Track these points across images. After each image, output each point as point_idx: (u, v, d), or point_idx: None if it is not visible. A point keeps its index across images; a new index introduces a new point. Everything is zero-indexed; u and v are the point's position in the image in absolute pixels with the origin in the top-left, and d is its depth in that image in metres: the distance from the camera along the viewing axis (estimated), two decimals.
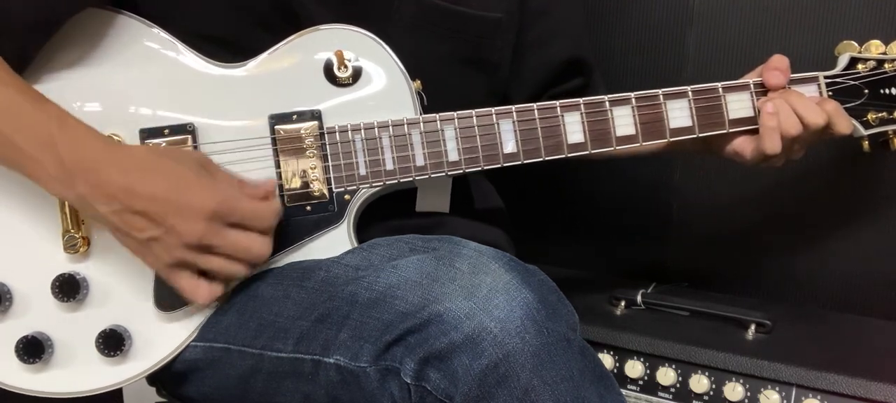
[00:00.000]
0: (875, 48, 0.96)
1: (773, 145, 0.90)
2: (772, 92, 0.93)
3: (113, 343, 0.85)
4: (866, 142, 0.96)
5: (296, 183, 0.87)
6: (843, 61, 0.96)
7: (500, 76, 1.04)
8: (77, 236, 0.85)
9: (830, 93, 0.94)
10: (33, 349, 0.85)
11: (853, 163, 1.20)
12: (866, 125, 0.95)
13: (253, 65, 0.88)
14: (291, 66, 0.88)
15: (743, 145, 0.94)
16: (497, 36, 1.00)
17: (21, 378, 0.86)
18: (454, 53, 0.98)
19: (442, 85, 0.91)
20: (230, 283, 0.85)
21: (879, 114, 0.95)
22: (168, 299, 0.86)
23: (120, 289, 0.86)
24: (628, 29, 1.32)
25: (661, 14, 1.28)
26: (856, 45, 0.96)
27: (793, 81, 0.94)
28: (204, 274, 0.82)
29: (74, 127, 0.78)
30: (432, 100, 0.90)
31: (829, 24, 1.16)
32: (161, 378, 0.91)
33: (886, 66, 0.95)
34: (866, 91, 0.95)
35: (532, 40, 1.07)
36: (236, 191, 0.80)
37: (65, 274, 0.85)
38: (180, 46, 0.88)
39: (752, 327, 1.08)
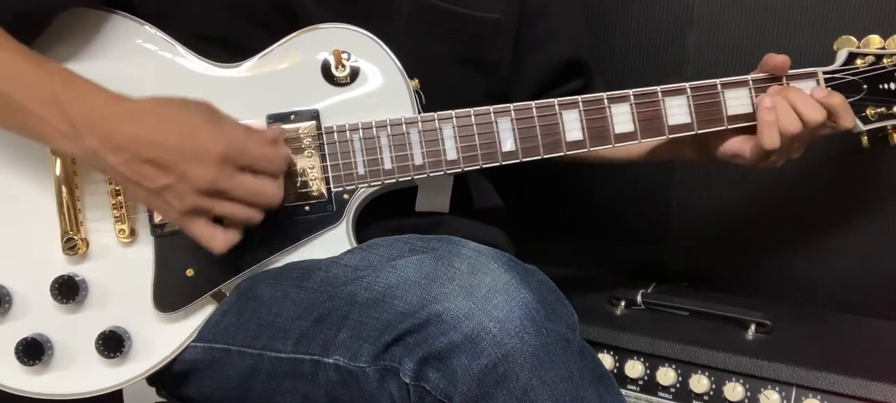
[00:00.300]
0: (874, 43, 0.95)
1: (771, 139, 0.90)
2: (771, 86, 0.93)
3: (113, 344, 0.85)
4: (865, 138, 0.96)
5: (294, 182, 0.87)
6: (841, 56, 0.96)
7: (500, 76, 1.04)
8: (76, 238, 0.85)
9: (829, 88, 0.94)
10: (33, 350, 0.85)
11: (853, 163, 1.20)
12: (865, 120, 0.95)
13: (251, 64, 0.89)
14: (289, 66, 0.88)
15: (742, 145, 0.94)
16: (496, 36, 1.00)
17: (21, 379, 0.86)
18: (453, 53, 0.98)
19: (440, 85, 0.91)
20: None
21: (878, 110, 0.95)
22: (167, 300, 0.86)
23: (119, 290, 0.87)
24: (628, 29, 1.32)
25: (661, 14, 1.28)
26: (854, 39, 0.96)
27: (791, 77, 0.93)
28: (219, 222, 0.81)
29: (78, 83, 0.78)
30: (431, 101, 0.90)
31: (829, 24, 1.16)
32: (161, 378, 0.91)
33: (885, 60, 0.94)
34: (865, 86, 0.94)
35: (531, 40, 1.07)
36: (245, 135, 0.80)
37: (64, 275, 0.85)
38: (178, 46, 0.88)
39: (752, 327, 1.08)
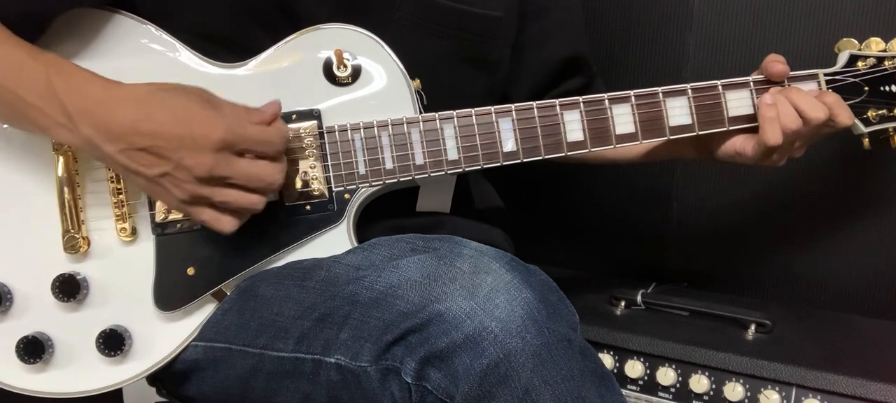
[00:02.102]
0: (875, 45, 0.95)
1: (774, 136, 0.90)
2: (773, 85, 0.93)
3: (113, 343, 0.85)
4: (866, 140, 0.96)
5: (296, 182, 0.87)
6: (843, 58, 0.96)
7: (500, 75, 1.04)
8: (77, 236, 0.85)
9: (830, 90, 0.94)
10: (34, 349, 0.85)
11: (853, 163, 1.20)
12: (866, 122, 0.95)
13: (252, 64, 0.88)
14: (291, 66, 0.88)
15: (744, 143, 0.94)
16: (497, 34, 1.00)
17: (21, 378, 0.86)
18: (454, 52, 0.97)
19: (442, 83, 0.91)
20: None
21: (879, 112, 0.95)
22: (168, 299, 0.86)
23: (120, 289, 0.86)
24: (628, 29, 1.32)
25: (661, 14, 1.28)
26: (856, 42, 0.96)
27: (792, 79, 0.94)
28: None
29: (73, 72, 0.78)
30: (431, 99, 0.90)
31: (829, 24, 1.16)
32: (161, 377, 0.91)
33: (886, 63, 0.94)
34: (866, 88, 0.95)
35: (531, 39, 1.07)
36: (242, 119, 0.80)
37: (65, 274, 0.85)
38: (179, 46, 0.88)
39: (752, 327, 1.08)
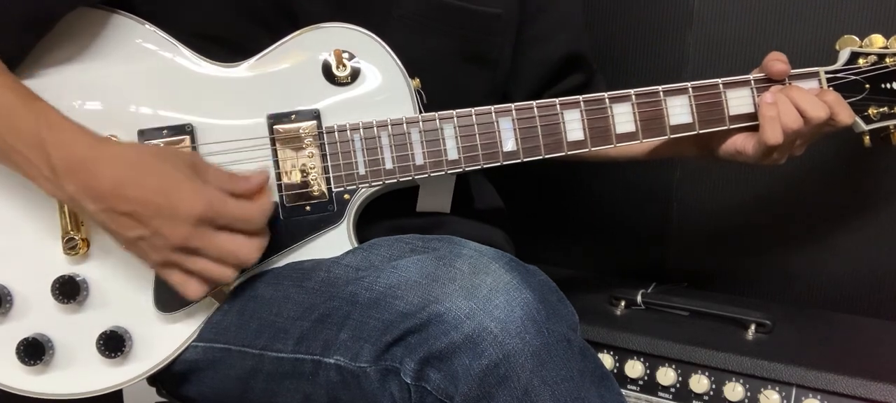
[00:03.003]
0: (876, 42, 0.95)
1: (774, 135, 0.90)
2: (774, 84, 0.93)
3: (114, 344, 0.85)
4: (867, 137, 0.95)
5: (295, 183, 0.87)
6: (844, 56, 0.95)
7: (500, 73, 1.04)
8: (77, 238, 0.85)
9: (831, 87, 0.94)
10: (34, 350, 0.85)
11: (853, 164, 1.20)
12: (867, 120, 0.94)
13: (251, 64, 0.88)
14: (290, 65, 0.88)
15: (744, 142, 0.94)
16: (497, 32, 1.00)
17: (22, 379, 0.86)
18: (455, 50, 0.97)
19: (442, 82, 0.91)
20: (229, 284, 0.85)
21: (880, 109, 0.94)
22: (168, 300, 0.86)
23: (120, 291, 0.86)
24: (628, 29, 1.32)
25: (661, 14, 1.28)
26: (857, 39, 0.96)
27: (793, 77, 0.93)
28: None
29: (63, 126, 0.78)
30: (431, 98, 0.90)
31: (830, 23, 1.16)
32: (161, 378, 0.91)
33: (888, 60, 0.94)
34: (867, 86, 0.94)
35: (531, 37, 1.06)
36: (224, 194, 0.80)
37: (65, 275, 0.85)
38: (177, 45, 0.87)
39: (752, 327, 1.08)
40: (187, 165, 0.79)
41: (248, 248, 0.81)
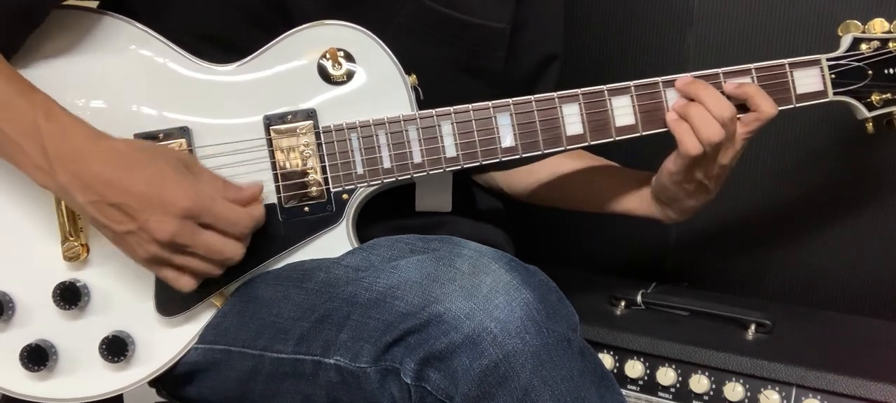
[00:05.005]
0: (879, 27, 0.93)
1: (693, 146, 0.87)
2: (776, 73, 0.91)
3: (116, 349, 0.85)
4: (870, 124, 0.94)
5: (293, 183, 0.87)
6: (845, 42, 0.94)
7: (498, 85, 1.03)
8: (77, 244, 0.85)
9: (834, 75, 0.92)
10: (37, 357, 0.85)
11: (854, 163, 1.20)
12: (870, 107, 0.93)
13: (246, 64, 0.88)
14: (285, 65, 0.88)
15: (670, 163, 0.92)
16: (498, 46, 1.00)
17: (26, 385, 0.86)
18: (453, 60, 0.97)
19: (439, 91, 0.90)
20: (228, 286, 0.86)
21: (884, 96, 0.92)
22: (169, 304, 0.86)
23: (121, 295, 0.87)
24: (628, 29, 1.32)
25: (661, 14, 1.28)
26: (859, 24, 0.94)
27: (795, 65, 0.92)
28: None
29: (61, 117, 0.79)
30: (425, 105, 0.89)
31: (830, 23, 1.15)
32: (162, 380, 0.90)
33: (891, 45, 0.92)
34: (870, 72, 0.92)
35: (522, 44, 1.04)
36: (214, 193, 0.80)
37: (65, 281, 0.85)
38: (172, 47, 0.87)
39: (752, 327, 1.08)
40: (180, 162, 0.80)
41: (233, 248, 0.81)
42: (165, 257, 0.79)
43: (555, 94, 0.89)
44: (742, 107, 0.90)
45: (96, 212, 0.78)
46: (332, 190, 0.88)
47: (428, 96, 0.90)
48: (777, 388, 0.98)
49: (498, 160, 0.89)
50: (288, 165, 0.87)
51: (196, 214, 0.78)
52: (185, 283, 0.82)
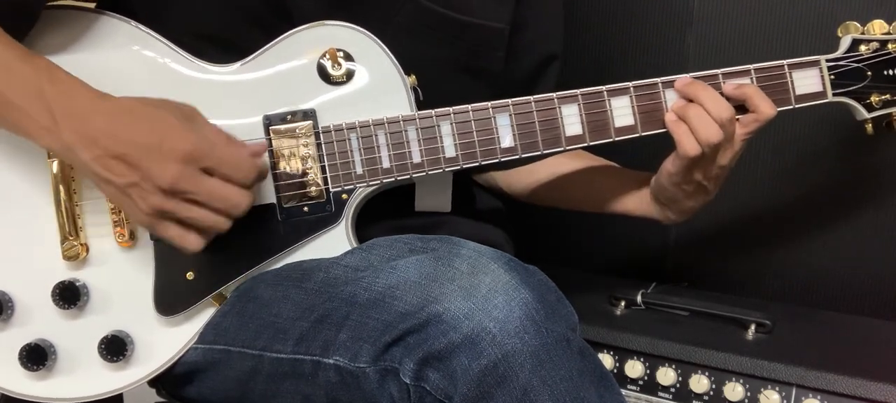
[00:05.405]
0: (878, 28, 0.93)
1: (692, 147, 0.88)
2: (774, 74, 0.91)
3: (115, 348, 0.85)
4: (869, 125, 0.94)
5: (292, 184, 0.87)
6: (845, 43, 0.94)
7: (498, 86, 1.03)
8: (76, 243, 0.85)
9: (833, 76, 0.92)
10: (37, 356, 0.85)
11: (853, 164, 1.20)
12: (869, 108, 0.93)
13: (246, 64, 0.88)
14: (285, 65, 0.88)
15: (668, 164, 0.93)
16: (498, 46, 1.00)
17: (25, 385, 0.86)
18: (453, 61, 0.97)
19: (438, 91, 0.90)
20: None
21: (883, 97, 0.92)
22: (169, 303, 0.86)
23: (120, 295, 0.87)
24: (628, 29, 1.32)
25: (661, 14, 1.28)
26: (858, 25, 0.94)
27: (794, 66, 0.92)
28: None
29: (64, 78, 0.79)
30: (427, 107, 0.89)
31: (830, 23, 1.15)
32: (161, 379, 0.91)
33: (890, 46, 0.92)
34: (869, 73, 0.93)
35: (522, 45, 1.05)
36: (216, 139, 0.80)
37: (64, 281, 0.85)
38: (171, 47, 0.87)
39: (752, 327, 1.08)
40: (182, 111, 0.80)
41: (239, 194, 0.80)
42: (169, 209, 0.78)
43: (554, 95, 0.89)
44: (741, 107, 0.90)
45: (100, 167, 0.77)
46: (331, 190, 0.88)
47: (427, 96, 0.90)
48: (777, 388, 0.98)
49: (497, 160, 0.89)
50: (287, 165, 0.87)
51: (197, 158, 0.77)
52: (192, 241, 0.80)
